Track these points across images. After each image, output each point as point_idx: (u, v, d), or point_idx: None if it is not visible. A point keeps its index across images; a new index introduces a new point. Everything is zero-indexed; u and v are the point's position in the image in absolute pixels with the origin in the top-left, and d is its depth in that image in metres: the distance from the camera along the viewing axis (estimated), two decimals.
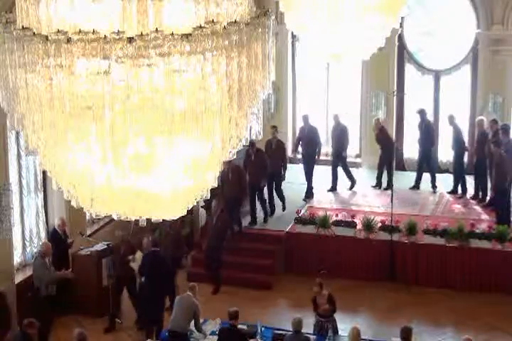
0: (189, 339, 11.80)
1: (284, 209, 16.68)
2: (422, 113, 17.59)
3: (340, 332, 12.50)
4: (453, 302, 14.32)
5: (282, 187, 16.74)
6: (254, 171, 15.93)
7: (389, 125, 18.54)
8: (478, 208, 16.70)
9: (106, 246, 13.96)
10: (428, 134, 17.47)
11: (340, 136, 17.60)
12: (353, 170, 18.41)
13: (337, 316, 13.85)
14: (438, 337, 13.34)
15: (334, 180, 17.73)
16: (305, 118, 17.58)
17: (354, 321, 13.61)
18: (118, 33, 4.01)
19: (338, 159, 17.66)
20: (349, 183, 17.83)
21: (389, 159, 17.21)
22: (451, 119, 17.40)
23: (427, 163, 17.66)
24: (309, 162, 17.33)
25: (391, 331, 11.65)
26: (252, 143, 15.23)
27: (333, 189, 17.76)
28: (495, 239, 14.83)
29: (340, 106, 19.37)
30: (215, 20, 4.26)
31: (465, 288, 14.74)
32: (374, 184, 17.87)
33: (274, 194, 16.69)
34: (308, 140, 17.34)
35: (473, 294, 14.53)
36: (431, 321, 13.73)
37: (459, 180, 17.41)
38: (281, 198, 16.71)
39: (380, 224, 15.43)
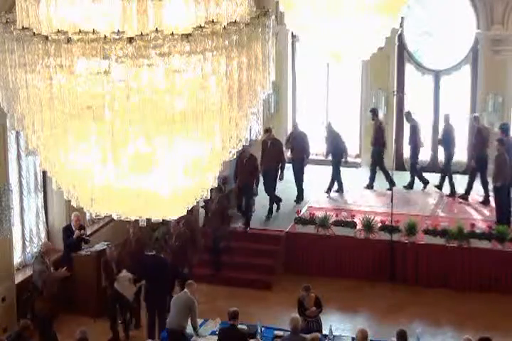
0: (187, 336, 11.77)
1: (247, 225, 16.03)
2: (373, 112, 17.62)
3: (340, 333, 12.51)
4: (453, 302, 14.31)
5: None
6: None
7: (389, 125, 18.53)
8: (478, 208, 16.70)
9: (106, 246, 13.94)
10: (380, 134, 17.51)
11: (300, 144, 17.08)
12: (353, 170, 18.41)
13: (337, 316, 13.89)
14: (438, 337, 13.34)
15: (299, 191, 17.24)
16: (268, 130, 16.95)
17: (354, 321, 13.64)
18: (118, 33, 4.01)
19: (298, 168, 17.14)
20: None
21: (335, 163, 17.26)
22: (408, 116, 17.63)
23: (378, 162, 17.63)
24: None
25: (391, 331, 11.64)
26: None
27: (299, 200, 17.22)
28: (495, 239, 14.82)
29: (340, 106, 19.42)
30: (215, 21, 4.26)
31: (465, 288, 14.74)
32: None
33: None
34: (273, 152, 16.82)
35: (473, 294, 14.53)
36: (431, 321, 13.73)
37: (414, 177, 17.66)
38: (247, 213, 16.16)
39: (380, 224, 15.43)
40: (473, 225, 15.22)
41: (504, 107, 18.05)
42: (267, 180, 16.47)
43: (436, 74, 18.86)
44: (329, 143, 17.58)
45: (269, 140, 16.57)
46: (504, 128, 16.54)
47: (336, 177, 17.52)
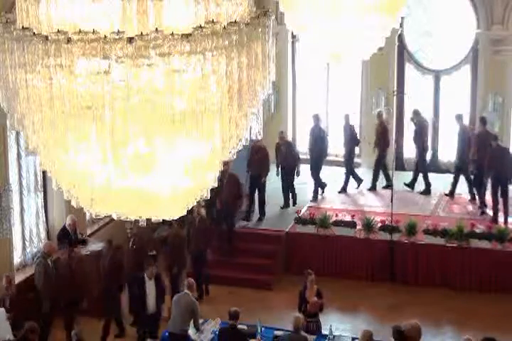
0: (189, 339, 11.78)
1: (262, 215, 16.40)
2: (315, 118, 17.57)
3: (340, 333, 12.52)
4: (453, 302, 14.32)
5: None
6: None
7: (389, 125, 18.52)
8: (477, 208, 16.69)
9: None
10: (321, 137, 17.48)
11: (261, 160, 16.55)
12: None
13: (337, 316, 13.90)
14: (438, 337, 13.35)
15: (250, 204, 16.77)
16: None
17: (354, 321, 13.65)
18: (118, 33, 4.01)
19: (257, 181, 16.61)
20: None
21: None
22: (346, 118, 17.74)
23: (315, 163, 17.49)
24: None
25: (391, 331, 11.65)
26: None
27: (258, 216, 16.70)
28: (495, 239, 14.83)
29: (340, 107, 19.41)
30: (215, 20, 4.25)
31: (465, 288, 14.75)
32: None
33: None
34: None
35: (473, 294, 14.54)
36: (431, 321, 13.72)
37: (349, 175, 17.77)
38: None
39: (380, 224, 15.44)
40: (473, 225, 15.23)
41: (504, 107, 18.06)
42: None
43: (436, 74, 18.87)
44: (281, 152, 17.21)
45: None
46: (482, 120, 16.52)
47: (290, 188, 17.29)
